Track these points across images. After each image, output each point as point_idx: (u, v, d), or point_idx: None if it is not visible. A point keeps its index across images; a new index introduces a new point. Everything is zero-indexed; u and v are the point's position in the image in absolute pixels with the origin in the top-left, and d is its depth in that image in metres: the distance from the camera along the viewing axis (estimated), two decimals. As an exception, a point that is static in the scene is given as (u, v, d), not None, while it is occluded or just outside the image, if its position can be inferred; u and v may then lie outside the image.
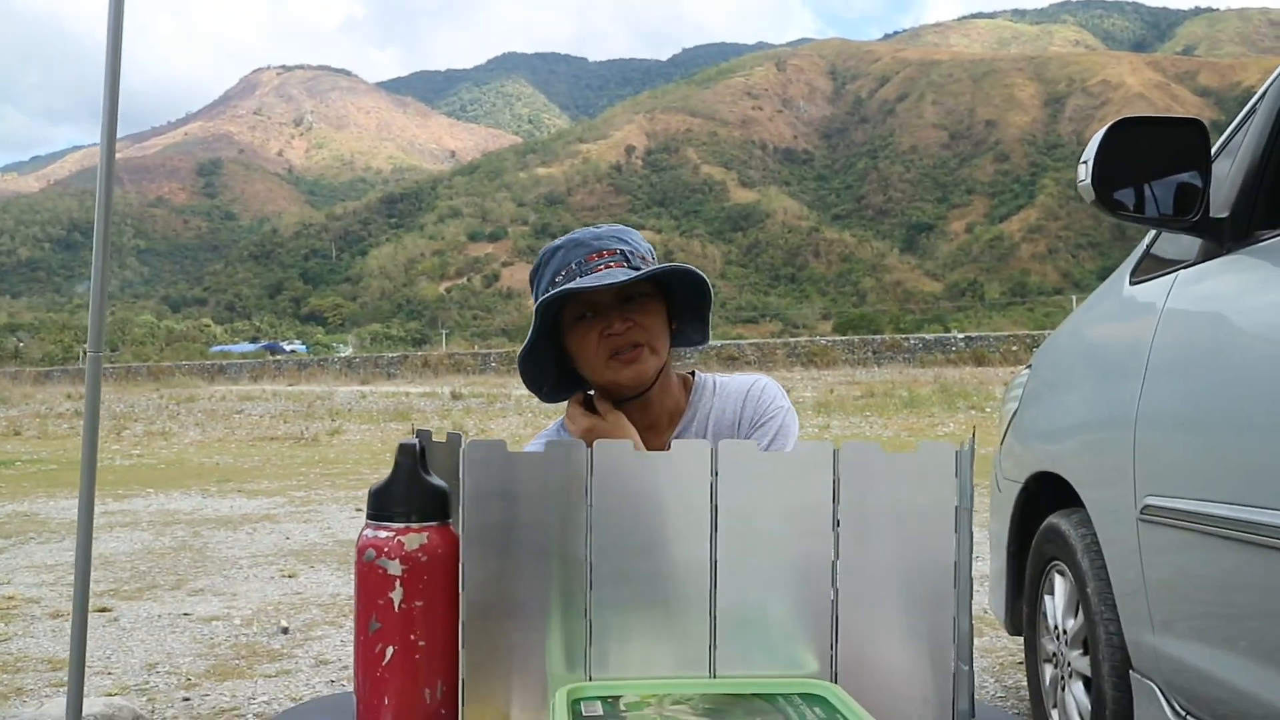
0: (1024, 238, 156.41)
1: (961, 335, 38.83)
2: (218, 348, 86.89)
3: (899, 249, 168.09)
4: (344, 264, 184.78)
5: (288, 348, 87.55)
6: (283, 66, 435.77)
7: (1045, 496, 2.90)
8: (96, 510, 8.83)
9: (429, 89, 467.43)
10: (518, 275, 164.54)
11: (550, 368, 1.67)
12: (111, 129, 2.57)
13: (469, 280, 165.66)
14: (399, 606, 0.91)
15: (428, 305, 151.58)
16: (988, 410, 17.31)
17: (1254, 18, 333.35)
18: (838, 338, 42.19)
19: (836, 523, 0.93)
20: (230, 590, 5.61)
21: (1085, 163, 2.13)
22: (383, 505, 0.94)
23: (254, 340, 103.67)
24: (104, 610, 5.11)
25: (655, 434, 1.67)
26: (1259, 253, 1.97)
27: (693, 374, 1.75)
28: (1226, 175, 2.18)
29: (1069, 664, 2.69)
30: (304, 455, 13.76)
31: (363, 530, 0.95)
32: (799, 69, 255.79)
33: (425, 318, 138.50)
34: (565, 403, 1.73)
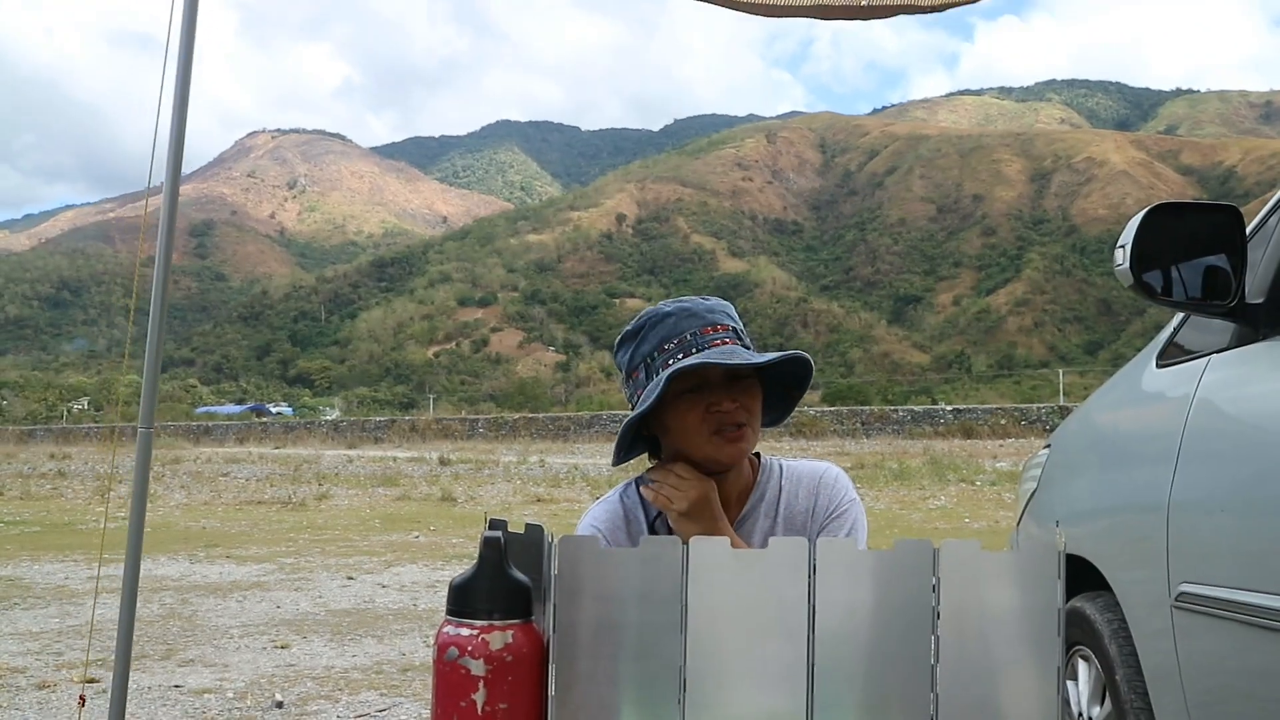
0: (1010, 311, 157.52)
1: (949, 407, 38.93)
2: (204, 409, 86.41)
3: (887, 320, 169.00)
4: (333, 327, 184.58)
5: (274, 410, 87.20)
6: (278, 130, 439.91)
7: (1067, 579, 2.87)
8: (81, 575, 8.63)
9: (422, 154, 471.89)
10: (506, 341, 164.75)
11: (630, 432, 1.66)
12: (174, 190, 2.56)
13: (458, 345, 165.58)
14: (482, 709, 0.87)
15: (416, 369, 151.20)
16: (977, 483, 17.25)
17: (1233, 99, 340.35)
18: (826, 408, 42.21)
19: (936, 623, 0.90)
20: (221, 661, 5.49)
21: (1123, 246, 2.13)
22: (465, 601, 0.90)
23: (240, 402, 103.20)
24: (91, 681, 4.97)
25: (724, 509, 1.65)
26: (1297, 340, 1.96)
27: (757, 455, 1.74)
28: (1260, 261, 2.18)
29: (1095, 753, 2.64)
30: (292, 520, 13.59)
31: (441, 627, 0.91)
32: (789, 141, 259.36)
33: (413, 382, 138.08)
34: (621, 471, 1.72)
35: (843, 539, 0.92)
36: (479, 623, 0.89)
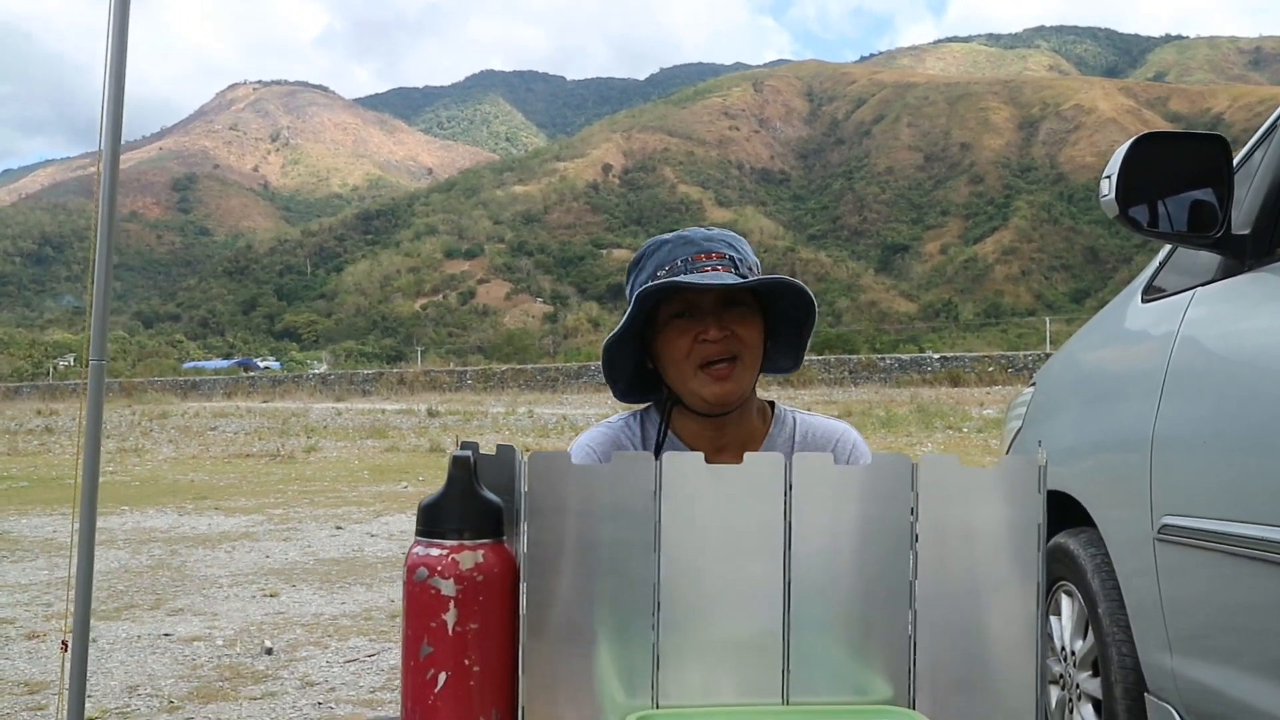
0: (998, 259, 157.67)
1: (937, 356, 38.99)
2: (191, 364, 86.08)
3: (874, 269, 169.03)
4: (319, 280, 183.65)
5: (261, 364, 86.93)
6: (259, 82, 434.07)
7: (1051, 516, 2.87)
8: (68, 528, 8.63)
9: (406, 106, 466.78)
10: (493, 292, 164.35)
11: (630, 363, 1.61)
12: (115, 136, 2.51)
13: (445, 297, 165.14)
14: (452, 629, 0.85)
15: (403, 322, 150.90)
16: (964, 430, 17.34)
17: (1223, 45, 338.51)
18: (814, 357, 42.26)
19: (915, 540, 0.88)
20: (211, 610, 5.50)
21: (1109, 177, 2.10)
22: (435, 521, 0.88)
23: (228, 357, 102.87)
24: (81, 630, 4.99)
25: (728, 456, 1.58)
26: (1282, 270, 1.95)
27: (771, 404, 1.68)
28: (1246, 193, 2.16)
29: (1077, 686, 2.65)
30: (280, 472, 13.59)
31: (411, 548, 0.89)
32: (776, 90, 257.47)
33: (400, 335, 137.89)
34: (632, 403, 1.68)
35: (818, 454, 0.90)
36: (449, 542, 0.88)
